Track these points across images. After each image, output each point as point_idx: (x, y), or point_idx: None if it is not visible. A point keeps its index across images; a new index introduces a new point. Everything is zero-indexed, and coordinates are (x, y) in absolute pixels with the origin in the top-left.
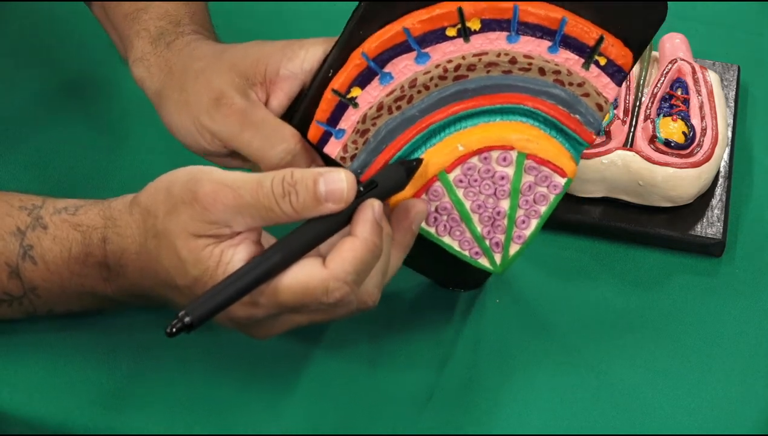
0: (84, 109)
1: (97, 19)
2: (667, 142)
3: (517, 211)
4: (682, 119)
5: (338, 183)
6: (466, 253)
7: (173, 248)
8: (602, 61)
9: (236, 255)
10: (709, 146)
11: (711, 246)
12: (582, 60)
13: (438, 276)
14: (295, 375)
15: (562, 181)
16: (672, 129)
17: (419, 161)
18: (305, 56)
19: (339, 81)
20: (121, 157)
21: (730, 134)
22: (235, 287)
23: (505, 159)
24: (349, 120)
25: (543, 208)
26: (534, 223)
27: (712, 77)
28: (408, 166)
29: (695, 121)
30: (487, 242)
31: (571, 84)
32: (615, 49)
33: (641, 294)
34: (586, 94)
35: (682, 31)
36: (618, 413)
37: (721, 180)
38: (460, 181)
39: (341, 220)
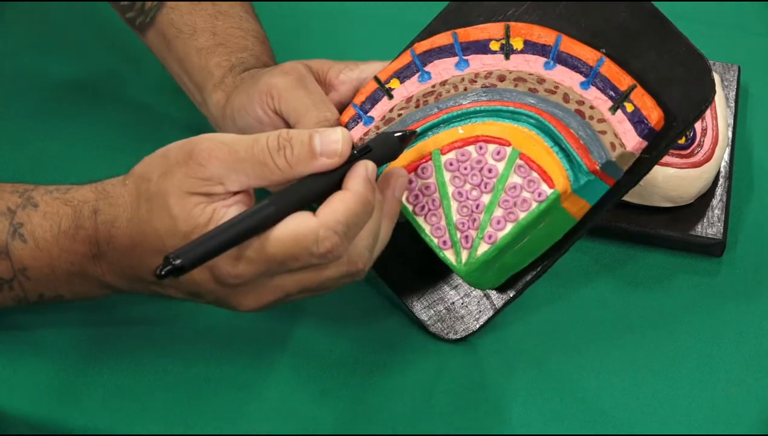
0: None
1: (149, 46)
2: None
3: (495, 209)
4: None
5: (333, 141)
6: (435, 241)
7: (166, 206)
8: (629, 108)
9: (228, 214)
10: (709, 146)
11: (711, 246)
12: (610, 103)
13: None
14: (294, 377)
15: (549, 191)
16: None
17: (414, 132)
18: (364, 68)
19: (385, 70)
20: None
21: (730, 134)
22: (227, 234)
23: (499, 153)
24: (380, 109)
25: (522, 214)
26: (509, 227)
27: (714, 78)
28: (402, 136)
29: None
30: (459, 235)
31: (591, 118)
32: (646, 100)
33: (641, 294)
34: (603, 132)
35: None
36: (618, 413)
37: (721, 180)
38: (451, 164)
39: (334, 180)
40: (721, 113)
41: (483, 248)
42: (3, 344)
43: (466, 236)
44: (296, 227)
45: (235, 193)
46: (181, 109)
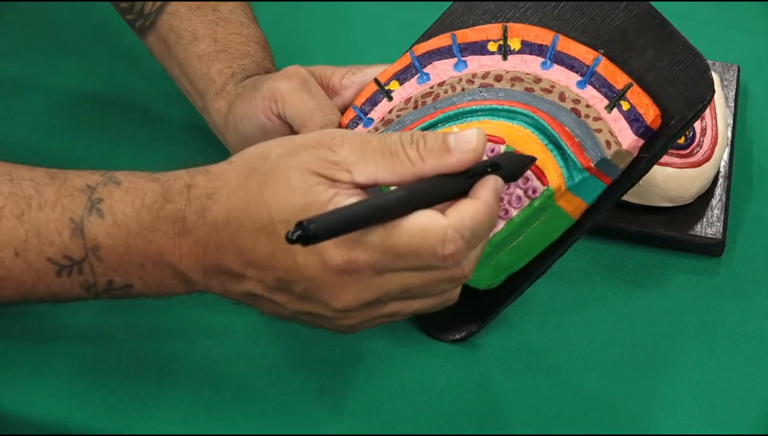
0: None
1: (149, 49)
2: None
3: None
4: None
5: (468, 135)
6: None
7: (285, 178)
8: (625, 106)
9: (348, 201)
10: (708, 146)
11: (711, 246)
12: (606, 101)
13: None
14: (294, 377)
15: (542, 187)
16: None
17: (534, 158)
18: (367, 72)
19: (385, 72)
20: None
21: (729, 134)
22: (361, 211)
23: (493, 150)
24: (379, 111)
25: (515, 212)
26: (502, 224)
27: (712, 77)
28: (529, 159)
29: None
30: None
31: (587, 116)
32: (642, 98)
33: (641, 294)
34: (599, 130)
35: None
36: (618, 413)
37: (720, 180)
38: None
39: (462, 188)
40: (720, 113)
41: None
42: (4, 345)
43: None
44: (426, 221)
45: (358, 187)
46: (182, 110)
